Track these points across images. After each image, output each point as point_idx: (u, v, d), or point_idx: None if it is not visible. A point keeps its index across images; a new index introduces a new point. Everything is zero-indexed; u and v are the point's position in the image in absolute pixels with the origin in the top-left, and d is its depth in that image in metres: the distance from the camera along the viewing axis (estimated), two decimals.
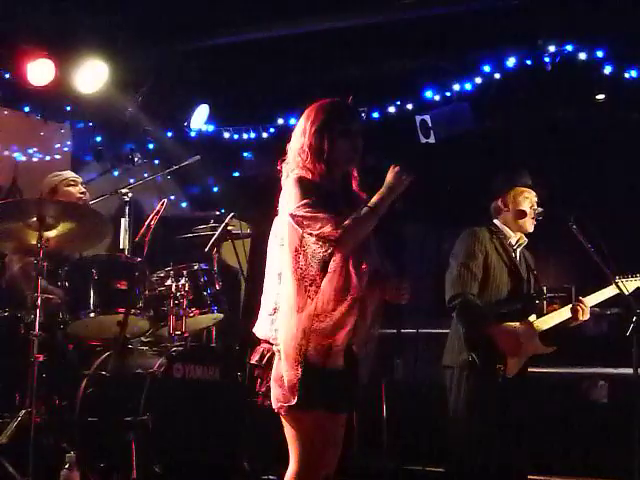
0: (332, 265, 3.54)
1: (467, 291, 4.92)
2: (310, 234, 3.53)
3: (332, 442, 3.63)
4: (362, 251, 3.63)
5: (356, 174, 3.80)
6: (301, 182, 3.60)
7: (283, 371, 3.51)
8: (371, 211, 3.58)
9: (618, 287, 4.82)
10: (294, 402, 3.47)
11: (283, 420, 3.58)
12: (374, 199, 3.62)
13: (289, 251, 3.59)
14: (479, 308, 4.91)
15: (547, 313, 4.96)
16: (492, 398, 4.81)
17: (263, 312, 3.68)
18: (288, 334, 3.53)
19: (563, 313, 4.96)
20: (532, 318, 4.93)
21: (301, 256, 3.56)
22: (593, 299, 5.00)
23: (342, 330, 3.54)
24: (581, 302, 4.94)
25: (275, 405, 3.54)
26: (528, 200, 5.10)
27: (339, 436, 3.71)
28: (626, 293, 4.87)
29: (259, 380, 3.66)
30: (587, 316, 4.94)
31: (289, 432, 3.58)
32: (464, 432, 4.91)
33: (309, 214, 3.52)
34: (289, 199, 3.59)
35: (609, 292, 5.00)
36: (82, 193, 5.84)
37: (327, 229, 3.49)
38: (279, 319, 3.59)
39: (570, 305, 4.93)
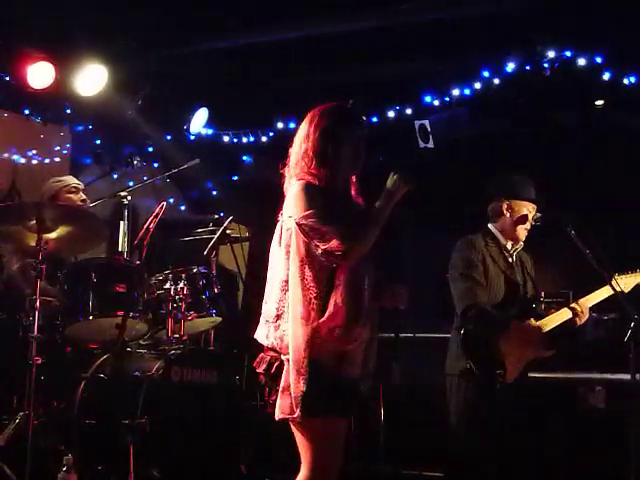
0: (340, 277, 3.55)
1: (478, 300, 4.91)
2: (317, 247, 3.52)
3: (340, 447, 3.62)
4: (364, 260, 3.64)
5: (355, 180, 3.80)
6: (307, 189, 3.58)
7: (290, 382, 3.51)
8: (374, 222, 3.59)
9: (612, 287, 4.80)
10: (296, 414, 3.47)
11: (292, 426, 3.58)
12: (374, 209, 3.62)
13: (295, 260, 3.57)
14: (494, 315, 4.90)
15: (545, 317, 4.97)
16: (490, 405, 4.81)
17: (264, 319, 3.67)
18: (294, 345, 3.52)
19: (562, 315, 4.96)
20: (531, 322, 4.94)
21: (307, 266, 3.55)
22: (590, 300, 5.01)
23: (355, 341, 3.55)
24: (578, 304, 4.95)
25: (278, 415, 3.54)
26: (529, 213, 5.10)
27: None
28: (625, 291, 4.85)
29: (267, 389, 3.64)
30: (586, 316, 4.96)
31: (298, 438, 3.58)
32: (463, 439, 4.92)
33: (316, 225, 3.51)
34: (295, 206, 3.58)
35: (606, 292, 4.99)
36: (83, 201, 5.85)
37: (334, 243, 3.48)
38: (283, 327, 3.58)
39: (568, 306, 4.94)
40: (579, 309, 4.94)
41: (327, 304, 3.53)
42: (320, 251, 3.51)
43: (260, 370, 3.65)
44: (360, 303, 3.58)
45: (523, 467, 5.00)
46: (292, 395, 3.48)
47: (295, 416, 3.47)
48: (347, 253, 3.50)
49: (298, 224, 3.55)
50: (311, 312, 3.51)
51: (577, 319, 4.95)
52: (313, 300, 3.52)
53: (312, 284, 3.53)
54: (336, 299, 3.52)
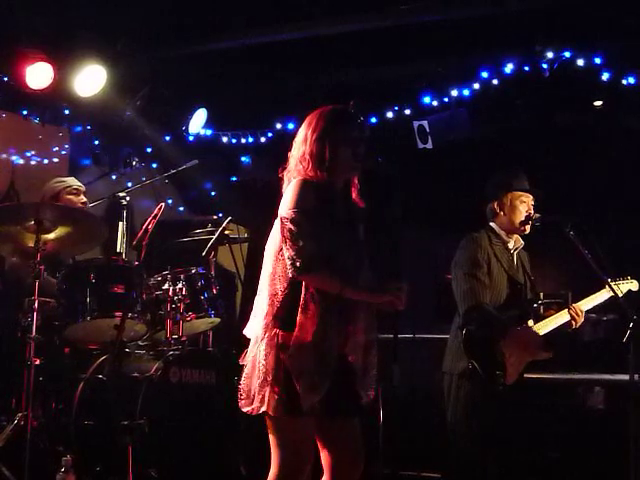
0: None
1: (482, 301, 4.91)
2: (286, 250, 3.53)
3: (309, 447, 3.60)
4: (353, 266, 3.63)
5: (357, 182, 3.79)
6: (303, 185, 3.58)
7: (254, 373, 3.54)
8: (342, 287, 3.53)
9: (612, 289, 4.84)
10: (251, 407, 3.51)
11: (266, 422, 3.58)
12: (360, 286, 3.60)
13: (270, 253, 3.61)
14: (498, 317, 4.90)
15: (544, 318, 4.97)
16: (490, 405, 4.81)
17: (252, 313, 3.69)
18: (255, 338, 3.58)
19: (560, 318, 4.97)
20: (530, 323, 4.94)
21: (279, 262, 3.57)
22: (586, 304, 5.05)
23: (315, 340, 3.50)
24: (575, 308, 4.97)
25: (244, 408, 3.56)
26: (525, 204, 5.10)
27: (349, 439, 3.68)
28: (619, 295, 4.89)
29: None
30: (582, 320, 4.99)
31: (270, 435, 3.58)
32: (462, 439, 4.92)
33: (295, 229, 3.50)
34: (286, 199, 3.59)
35: (601, 297, 5.05)
36: (83, 203, 5.83)
37: (299, 261, 3.47)
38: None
39: (567, 309, 4.96)
40: (575, 312, 4.96)
41: (293, 305, 3.52)
42: (286, 256, 3.52)
43: (242, 362, 3.66)
44: (335, 313, 3.54)
45: (522, 468, 5.01)
46: (247, 387, 3.55)
47: (249, 409, 3.52)
48: (302, 275, 3.50)
49: (281, 218, 3.56)
50: (271, 309, 3.54)
51: (573, 322, 4.97)
52: (272, 297, 3.55)
53: (278, 281, 3.55)
54: (306, 309, 3.51)
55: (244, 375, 3.59)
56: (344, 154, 3.66)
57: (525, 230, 5.11)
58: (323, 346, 3.49)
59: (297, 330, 3.48)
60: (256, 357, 3.54)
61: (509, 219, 5.10)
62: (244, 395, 3.56)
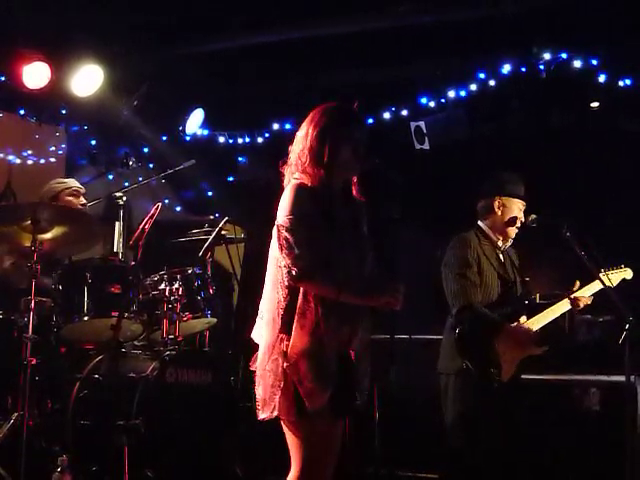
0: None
1: (473, 300, 4.92)
2: (283, 257, 3.52)
3: (332, 449, 3.61)
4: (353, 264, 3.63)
5: (355, 180, 3.77)
6: (299, 192, 3.56)
7: (266, 381, 3.54)
8: (339, 292, 3.52)
9: (601, 281, 4.86)
10: (268, 414, 3.50)
11: (283, 425, 3.58)
12: (356, 291, 3.59)
13: (272, 259, 3.61)
14: (490, 316, 4.91)
15: (538, 313, 4.99)
16: (486, 404, 4.82)
17: (259, 317, 3.68)
18: (264, 346, 3.57)
19: (555, 310, 4.99)
20: (522, 319, 4.96)
21: (280, 271, 3.56)
22: (582, 293, 5.07)
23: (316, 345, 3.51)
24: (576, 296, 5.01)
25: (261, 416, 3.55)
26: (520, 211, 5.14)
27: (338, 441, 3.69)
28: (611, 286, 4.91)
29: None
30: (588, 302, 5.02)
31: (288, 437, 3.58)
32: (459, 439, 4.93)
33: (291, 237, 3.49)
34: (283, 207, 3.57)
35: (594, 287, 5.06)
36: (82, 205, 5.84)
37: (295, 268, 3.47)
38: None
39: (563, 301, 4.98)
40: (578, 299, 4.99)
41: (294, 312, 3.51)
42: (283, 264, 3.52)
43: (253, 368, 3.66)
44: (337, 316, 3.54)
45: (518, 468, 5.01)
46: (261, 395, 3.53)
47: (266, 416, 3.51)
48: (301, 281, 3.50)
49: (277, 226, 3.55)
50: (276, 316, 3.53)
51: (579, 306, 5.00)
52: (282, 303, 3.54)
53: (280, 288, 3.54)
54: (309, 311, 3.50)
55: (257, 385, 3.57)
56: (345, 153, 3.64)
57: (512, 234, 5.14)
58: (321, 353, 3.48)
59: (294, 338, 3.48)
60: (267, 365, 3.53)
61: (502, 220, 5.13)
62: (260, 404, 3.54)
